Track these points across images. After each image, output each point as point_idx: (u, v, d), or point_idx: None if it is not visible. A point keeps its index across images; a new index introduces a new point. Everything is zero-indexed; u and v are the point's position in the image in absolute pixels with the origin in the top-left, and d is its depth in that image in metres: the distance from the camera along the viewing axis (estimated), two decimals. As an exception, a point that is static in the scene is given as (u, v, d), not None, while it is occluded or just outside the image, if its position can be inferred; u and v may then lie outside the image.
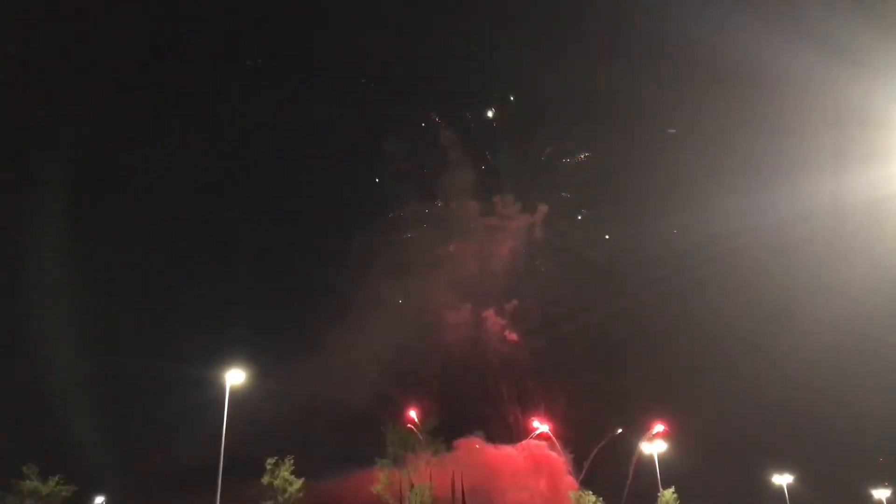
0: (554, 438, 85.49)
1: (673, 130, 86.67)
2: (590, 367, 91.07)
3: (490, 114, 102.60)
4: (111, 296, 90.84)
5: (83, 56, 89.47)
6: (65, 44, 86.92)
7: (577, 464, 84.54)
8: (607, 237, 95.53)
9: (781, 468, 69.71)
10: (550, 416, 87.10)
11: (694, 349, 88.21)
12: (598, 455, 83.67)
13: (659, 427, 73.20)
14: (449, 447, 73.91)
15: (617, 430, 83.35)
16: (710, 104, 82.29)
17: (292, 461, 54.33)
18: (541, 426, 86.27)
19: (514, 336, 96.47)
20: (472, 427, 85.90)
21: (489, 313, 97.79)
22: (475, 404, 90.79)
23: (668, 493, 62.68)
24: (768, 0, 77.45)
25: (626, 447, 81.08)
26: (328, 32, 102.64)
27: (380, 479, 60.23)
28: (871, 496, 72.65)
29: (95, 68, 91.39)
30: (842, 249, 79.27)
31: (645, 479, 70.84)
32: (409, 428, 66.58)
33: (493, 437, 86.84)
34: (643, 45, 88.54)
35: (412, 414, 71.63)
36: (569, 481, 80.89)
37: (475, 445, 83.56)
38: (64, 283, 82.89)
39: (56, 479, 48.66)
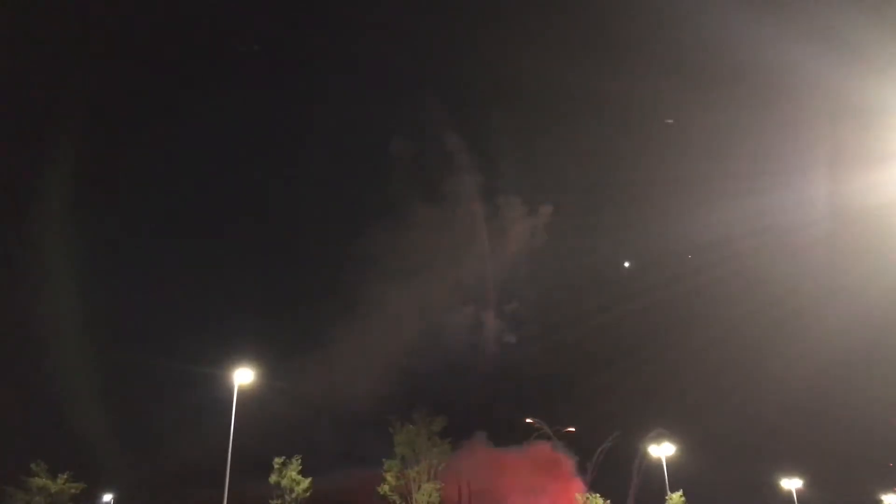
0: (557, 440, 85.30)
1: (670, 120, 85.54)
2: (597, 369, 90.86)
3: (496, 115, 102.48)
4: (120, 294, 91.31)
5: (81, 50, 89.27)
6: (62, 38, 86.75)
7: (583, 466, 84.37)
8: (624, 261, 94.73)
9: (790, 472, 69.36)
10: (556, 417, 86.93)
11: (702, 353, 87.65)
12: (607, 458, 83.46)
13: (658, 432, 72.82)
14: (454, 448, 73.91)
15: (615, 433, 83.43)
16: (715, 107, 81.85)
17: (300, 461, 54.41)
18: (545, 428, 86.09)
19: (516, 338, 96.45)
20: (475, 428, 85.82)
21: (489, 315, 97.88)
22: (479, 405, 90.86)
23: (676, 497, 62.07)
24: (774, 1, 77.08)
25: (634, 450, 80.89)
26: (337, 32, 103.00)
27: (387, 479, 60.14)
28: (881, 501, 71.99)
29: (94, 61, 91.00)
30: (849, 253, 78.73)
31: (653, 483, 70.56)
32: (416, 428, 66.32)
33: (497, 439, 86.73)
34: (646, 46, 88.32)
35: (418, 415, 71.41)
36: (576, 484, 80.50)
37: (480, 447, 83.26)
38: (72, 281, 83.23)
39: (65, 476, 48.92)
